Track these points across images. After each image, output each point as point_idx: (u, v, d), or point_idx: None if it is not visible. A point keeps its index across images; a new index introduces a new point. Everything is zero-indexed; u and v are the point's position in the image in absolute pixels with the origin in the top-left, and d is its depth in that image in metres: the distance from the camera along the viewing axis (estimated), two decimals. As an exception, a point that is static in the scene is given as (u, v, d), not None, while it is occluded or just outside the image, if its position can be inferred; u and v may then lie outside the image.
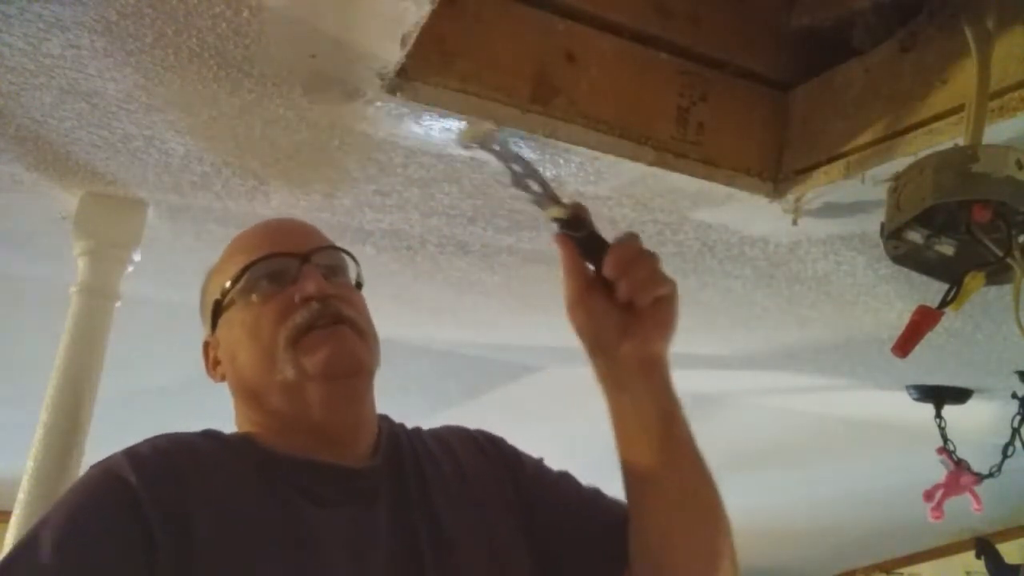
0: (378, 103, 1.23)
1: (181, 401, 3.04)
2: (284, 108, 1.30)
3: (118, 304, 1.68)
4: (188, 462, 0.84)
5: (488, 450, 1.00)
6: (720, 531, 0.90)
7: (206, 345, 0.99)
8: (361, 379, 0.92)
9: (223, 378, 0.97)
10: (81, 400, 1.59)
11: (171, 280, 2.15)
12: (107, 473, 0.81)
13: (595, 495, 0.99)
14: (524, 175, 0.89)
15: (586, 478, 1.02)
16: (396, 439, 0.97)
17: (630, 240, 0.86)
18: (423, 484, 0.92)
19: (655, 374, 0.87)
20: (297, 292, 0.91)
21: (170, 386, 3.01)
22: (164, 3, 1.07)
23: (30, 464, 1.54)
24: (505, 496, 0.95)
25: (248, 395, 0.93)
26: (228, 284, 0.95)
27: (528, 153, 1.33)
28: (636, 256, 0.85)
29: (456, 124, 1.24)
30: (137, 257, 1.71)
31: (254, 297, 0.93)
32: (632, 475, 0.89)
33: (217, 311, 0.96)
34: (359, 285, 1.01)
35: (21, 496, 1.53)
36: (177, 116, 1.35)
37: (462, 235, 1.73)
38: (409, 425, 1.02)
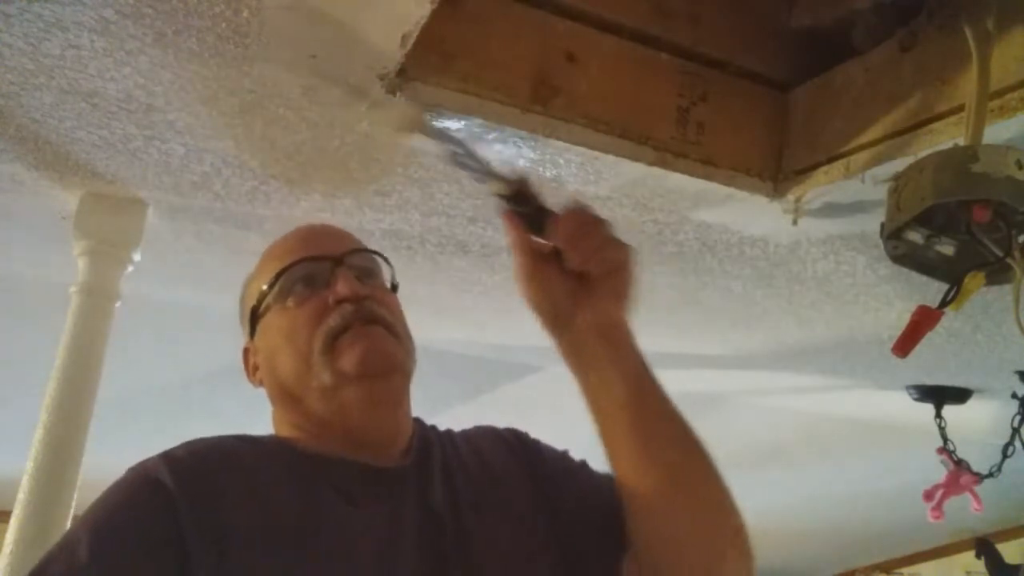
0: (378, 103, 1.23)
1: (181, 401, 3.04)
2: (284, 108, 1.30)
3: (118, 304, 1.68)
4: (223, 464, 0.85)
5: (515, 447, 1.00)
6: (713, 502, 0.85)
7: (246, 352, 1.00)
8: (396, 379, 0.92)
9: (261, 383, 0.97)
10: (81, 400, 1.59)
11: (171, 280, 2.14)
12: (143, 475, 0.82)
13: (610, 482, 0.97)
14: (463, 154, 0.88)
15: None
16: (428, 441, 0.97)
17: (578, 209, 0.84)
18: (450, 485, 0.92)
19: (617, 344, 0.85)
20: (331, 295, 0.91)
21: (170, 386, 3.01)
22: (164, 3, 1.07)
23: (30, 464, 1.54)
24: (528, 492, 0.95)
25: (286, 399, 0.94)
26: (264, 289, 0.96)
27: (528, 153, 1.33)
28: (585, 224, 0.83)
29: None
30: (137, 257, 1.71)
31: (290, 302, 0.94)
32: (613, 457, 0.86)
33: (255, 317, 0.97)
34: (394, 288, 1.01)
35: (21, 496, 1.53)
36: (177, 116, 1.35)
37: (462, 235, 1.74)
38: (441, 427, 1.03)
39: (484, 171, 0.86)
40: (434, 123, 0.94)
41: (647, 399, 0.85)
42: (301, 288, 0.94)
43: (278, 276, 0.94)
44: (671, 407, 0.86)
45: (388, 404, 0.92)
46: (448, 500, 0.90)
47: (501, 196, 0.85)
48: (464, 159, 0.88)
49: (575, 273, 0.84)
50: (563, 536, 0.92)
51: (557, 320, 0.86)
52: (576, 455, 1.02)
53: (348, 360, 0.89)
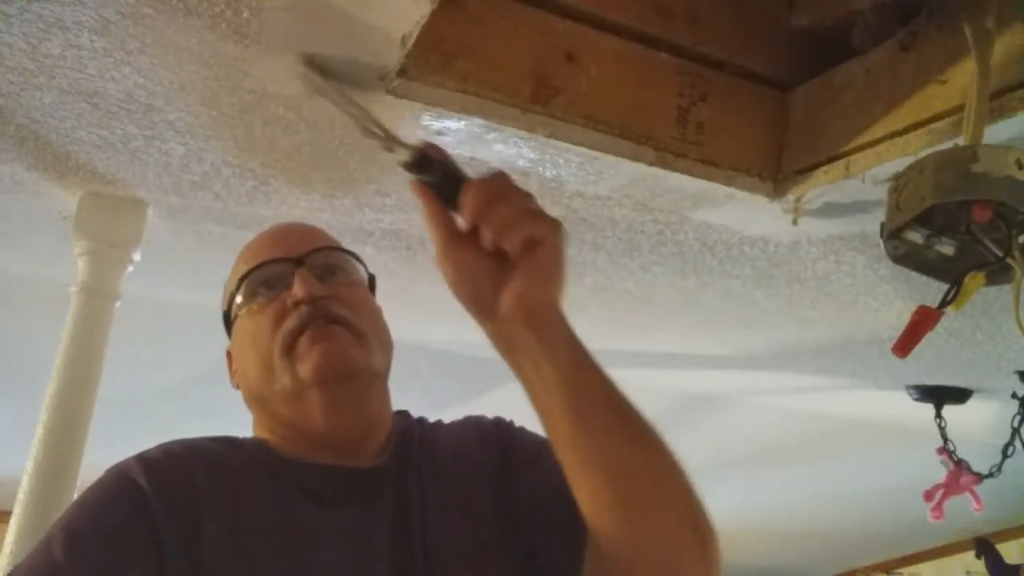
0: (378, 103, 1.23)
1: (181, 401, 3.04)
2: (284, 108, 1.30)
3: (118, 304, 1.68)
4: (198, 465, 0.85)
5: (491, 437, 0.98)
6: (666, 496, 0.78)
7: (228, 355, 1.00)
8: (360, 380, 0.91)
9: (238, 386, 0.98)
10: (81, 400, 1.59)
11: (171, 280, 2.14)
12: (119, 476, 0.83)
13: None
14: (365, 121, 0.82)
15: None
16: (408, 437, 0.96)
17: (491, 177, 0.75)
18: (421, 483, 0.91)
19: (545, 329, 0.76)
20: (290, 296, 0.91)
21: (170, 386, 3.01)
22: (164, 3, 1.07)
23: (30, 464, 1.54)
24: (496, 485, 0.93)
25: (257, 403, 0.94)
26: (231, 292, 0.96)
27: (528, 153, 1.33)
28: (498, 195, 0.74)
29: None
30: (137, 257, 1.71)
31: (254, 305, 0.94)
32: (558, 451, 0.79)
33: (228, 322, 0.98)
34: (372, 285, 1.00)
35: (21, 496, 1.52)
36: (177, 116, 1.35)
37: (462, 235, 1.73)
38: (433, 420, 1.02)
39: (388, 138, 0.79)
40: (317, 78, 0.89)
41: (586, 389, 0.77)
42: (264, 291, 0.93)
43: (242, 280, 0.95)
44: (616, 397, 0.78)
45: (351, 406, 0.90)
46: (418, 498, 0.89)
47: (407, 166, 0.76)
48: (367, 126, 0.82)
49: (496, 252, 0.75)
50: (525, 528, 0.89)
51: (480, 305, 0.77)
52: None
53: (304, 365, 0.88)
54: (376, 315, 0.97)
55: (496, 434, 0.99)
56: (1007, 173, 1.01)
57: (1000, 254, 1.03)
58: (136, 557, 0.77)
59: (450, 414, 1.05)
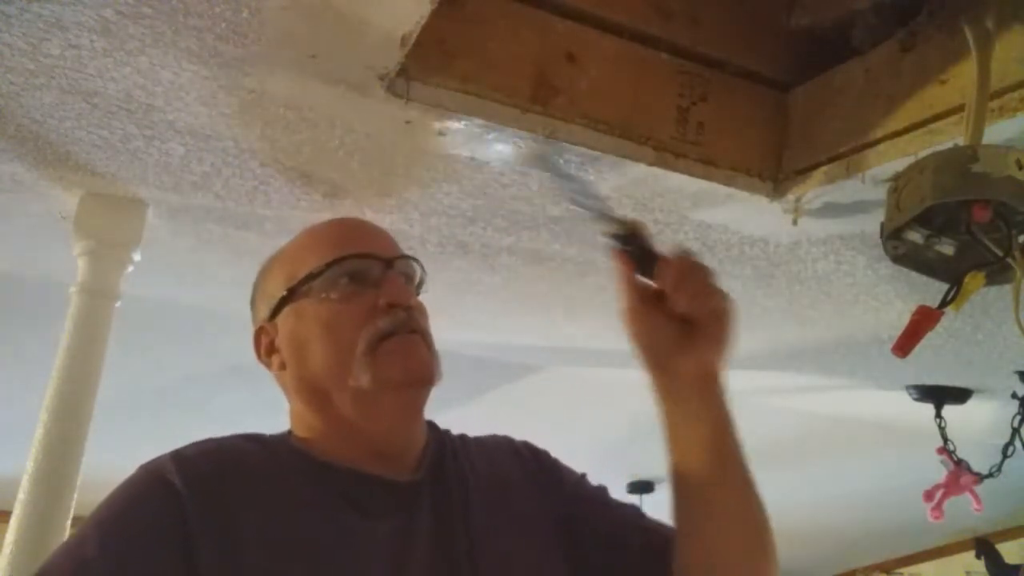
0: (378, 103, 1.23)
1: (181, 401, 3.04)
2: (284, 108, 1.30)
3: (118, 304, 1.68)
4: (233, 466, 0.85)
5: (529, 463, 1.00)
6: (766, 554, 0.90)
7: (260, 331, 0.96)
8: (427, 391, 0.94)
9: (280, 367, 0.94)
10: (81, 400, 1.59)
11: (171, 280, 2.14)
12: (152, 474, 0.82)
13: (636, 515, 0.98)
14: (579, 192, 0.91)
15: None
16: (441, 449, 0.96)
17: (686, 254, 0.87)
18: (464, 496, 0.92)
19: (710, 390, 0.88)
20: (383, 297, 0.90)
21: (170, 386, 3.01)
22: (164, 3, 1.07)
23: (30, 464, 1.54)
24: (543, 510, 0.95)
25: (312, 395, 0.91)
26: (308, 273, 0.92)
27: (528, 152, 1.33)
28: (690, 268, 0.86)
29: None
30: (137, 257, 1.71)
31: (333, 294, 0.91)
32: (682, 491, 0.89)
33: (285, 299, 0.93)
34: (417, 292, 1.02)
35: (21, 496, 1.52)
36: (177, 116, 1.35)
37: (462, 235, 1.73)
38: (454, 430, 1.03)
39: (600, 211, 0.90)
40: (556, 160, 0.96)
41: (726, 446, 0.89)
42: (347, 282, 0.91)
43: (329, 265, 0.91)
44: (745, 459, 0.90)
45: (417, 415, 0.93)
46: (461, 511, 0.90)
47: (614, 235, 0.88)
48: (580, 197, 0.91)
49: (677, 319, 0.86)
50: (578, 557, 0.93)
51: (656, 360, 0.88)
52: (575, 457, 1.02)
53: (394, 366, 0.88)
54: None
55: (534, 460, 1.01)
56: (1007, 173, 1.01)
57: (1000, 254, 1.03)
58: (168, 556, 0.77)
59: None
